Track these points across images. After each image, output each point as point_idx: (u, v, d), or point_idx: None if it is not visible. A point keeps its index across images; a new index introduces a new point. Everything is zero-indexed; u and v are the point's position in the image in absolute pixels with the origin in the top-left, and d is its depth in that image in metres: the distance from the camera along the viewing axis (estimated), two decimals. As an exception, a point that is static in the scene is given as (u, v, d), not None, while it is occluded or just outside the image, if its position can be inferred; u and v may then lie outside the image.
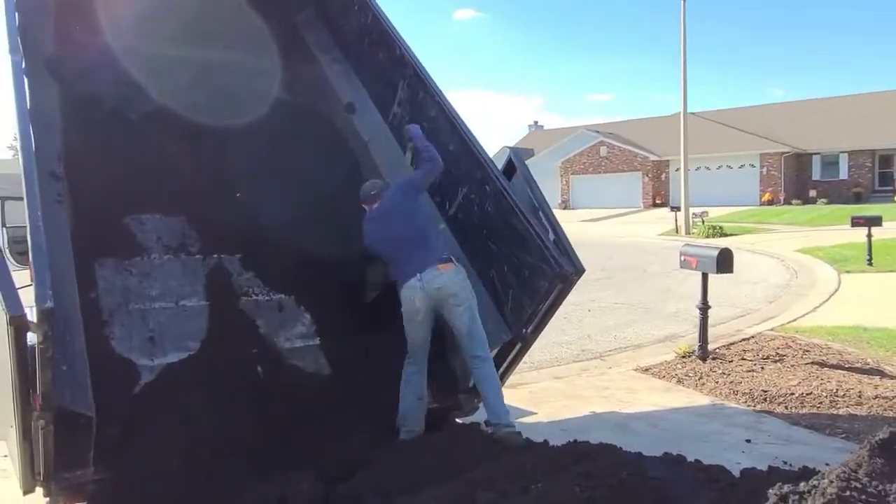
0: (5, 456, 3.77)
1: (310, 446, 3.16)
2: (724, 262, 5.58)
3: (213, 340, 3.74)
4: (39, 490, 2.74)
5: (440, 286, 3.50)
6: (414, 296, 3.53)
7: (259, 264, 4.24)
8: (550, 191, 35.27)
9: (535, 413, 4.52)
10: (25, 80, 3.17)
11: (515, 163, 4.15)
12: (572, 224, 25.54)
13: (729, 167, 32.39)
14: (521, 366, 4.24)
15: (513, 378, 4.41)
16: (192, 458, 3.00)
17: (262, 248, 4.28)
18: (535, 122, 49.64)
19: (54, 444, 2.53)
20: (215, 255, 4.17)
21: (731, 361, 5.85)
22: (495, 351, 3.94)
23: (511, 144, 44.06)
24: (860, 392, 4.77)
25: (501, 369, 3.97)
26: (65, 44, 4.51)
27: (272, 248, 4.32)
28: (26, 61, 3.38)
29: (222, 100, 4.98)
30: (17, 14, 3.57)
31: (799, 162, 31.71)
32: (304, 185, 4.79)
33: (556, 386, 5.45)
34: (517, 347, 3.89)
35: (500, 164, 4.15)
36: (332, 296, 4.19)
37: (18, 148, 2.92)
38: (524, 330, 3.79)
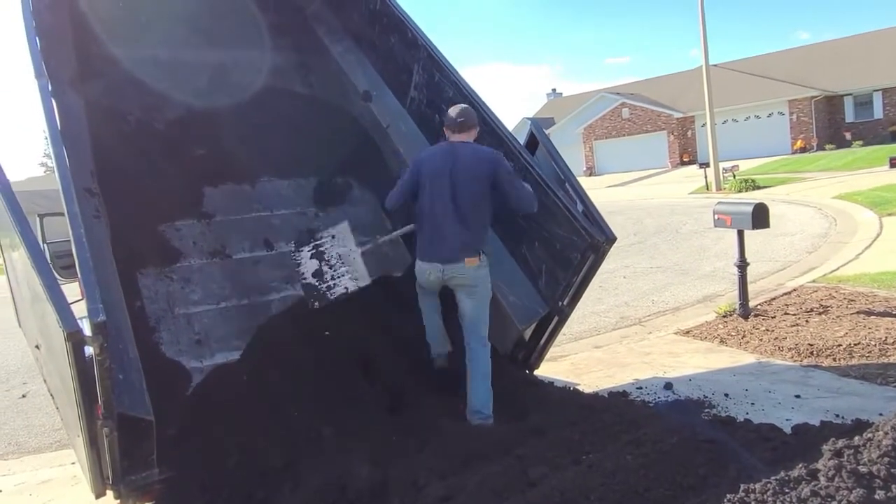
0: (74, 463, 3.97)
1: (363, 431, 3.24)
2: (760, 217, 5.46)
3: (257, 337, 3.84)
4: (110, 493, 2.87)
5: (457, 277, 3.48)
6: (429, 276, 3.55)
7: (291, 257, 4.32)
8: (574, 159, 34.88)
9: (578, 384, 4.52)
10: (54, 103, 3.25)
11: (537, 136, 4.12)
12: (599, 190, 25.25)
13: (757, 117, 31.47)
14: (560, 337, 4.25)
15: (553, 350, 4.43)
16: (249, 452, 3.10)
17: (290, 241, 4.37)
18: (554, 90, 48.88)
19: (119, 449, 2.65)
20: (251, 254, 4.26)
21: (774, 317, 5.75)
22: (532, 325, 3.96)
23: (530, 115, 43.79)
24: (911, 338, 4.66)
25: (541, 343, 4.00)
26: (85, 61, 4.60)
27: (301, 241, 4.40)
28: (52, 83, 3.46)
29: (241, 99, 5.04)
30: (37, 38, 3.64)
31: (830, 105, 30.63)
32: (328, 174, 4.85)
33: (597, 355, 5.44)
34: (554, 321, 3.89)
35: (520, 137, 4.12)
36: (365, 286, 4.25)
37: (54, 168, 3.00)
38: (560, 303, 3.79)
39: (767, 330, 5.39)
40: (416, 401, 3.56)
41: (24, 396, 6.27)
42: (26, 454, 4.75)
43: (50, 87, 3.36)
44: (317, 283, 4.10)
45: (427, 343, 3.84)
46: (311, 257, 4.15)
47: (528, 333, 4.01)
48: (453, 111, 3.68)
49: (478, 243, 3.52)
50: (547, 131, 4.32)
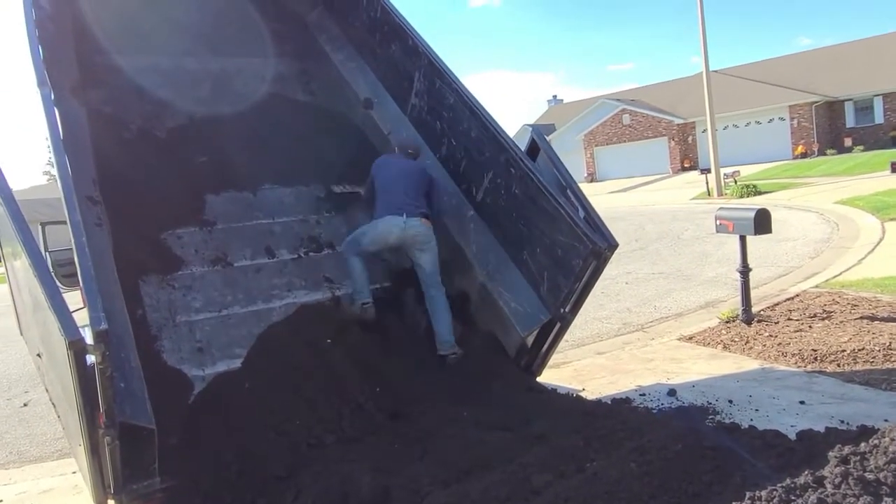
0: (75, 472, 3.95)
1: (365, 438, 3.22)
2: (762, 222, 5.46)
3: (259, 345, 3.84)
4: (111, 502, 2.85)
5: (416, 234, 4.09)
6: (391, 232, 4.10)
7: (293, 266, 4.32)
8: (575, 165, 34.91)
9: (582, 390, 4.51)
10: (56, 112, 3.26)
11: (539, 142, 4.12)
12: (600, 196, 25.25)
13: (758, 122, 31.49)
14: (562, 344, 4.25)
15: (555, 357, 4.42)
16: (251, 460, 3.09)
17: (292, 249, 4.37)
18: (555, 97, 49.07)
19: (121, 458, 2.63)
20: (253, 261, 4.26)
21: (777, 323, 5.73)
22: (535, 332, 3.95)
23: (531, 122, 43.83)
24: (915, 343, 4.63)
25: (543, 349, 3.99)
26: (87, 69, 4.62)
27: (303, 247, 4.41)
28: (54, 92, 3.47)
29: (243, 107, 5.06)
30: (40, 48, 3.66)
31: (831, 110, 30.65)
32: (329, 182, 4.85)
33: (600, 362, 5.42)
34: (557, 327, 3.89)
35: (522, 144, 4.13)
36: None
37: (56, 177, 3.00)
38: (562, 310, 3.79)
39: (771, 336, 5.37)
40: (418, 408, 3.55)
41: (25, 405, 6.26)
42: (28, 463, 4.73)
43: (52, 96, 3.37)
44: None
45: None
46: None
47: (530, 340, 4.00)
48: (407, 141, 4.65)
49: (427, 212, 4.25)
50: (548, 138, 4.31)
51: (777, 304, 6.40)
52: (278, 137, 5.01)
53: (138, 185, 4.16)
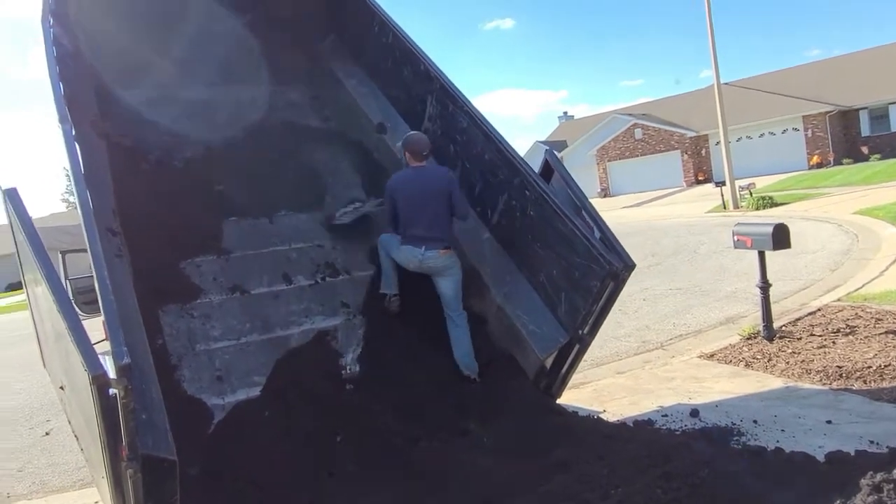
0: (97, 502, 3.96)
1: (387, 467, 3.20)
2: (781, 238, 5.40)
3: (278, 372, 3.84)
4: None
5: (434, 265, 4.17)
6: (409, 262, 4.20)
7: (310, 291, 4.33)
8: (588, 180, 34.88)
9: (602, 412, 4.45)
10: (77, 147, 3.32)
11: (552, 163, 4.13)
12: (615, 211, 25.16)
13: (772, 134, 31.30)
14: (581, 363, 4.20)
15: (575, 377, 4.37)
16: (272, 490, 3.08)
17: (309, 275, 4.39)
18: (565, 113, 49.14)
19: (143, 490, 2.63)
20: (270, 288, 4.28)
21: (800, 339, 5.64)
22: (553, 354, 3.93)
23: (543, 139, 43.89)
24: (943, 358, 4.53)
25: (562, 371, 3.95)
26: (106, 103, 4.72)
27: (319, 273, 4.43)
28: (75, 128, 3.54)
29: (258, 135, 5.13)
30: (61, 84, 3.74)
31: (845, 119, 30.38)
32: (344, 206, 4.88)
33: (620, 381, 5.36)
34: (575, 349, 3.86)
35: (534, 160, 4.14)
36: (384, 317, 4.26)
37: (78, 210, 3.05)
38: (581, 331, 3.76)
39: (794, 352, 5.29)
40: (439, 433, 3.53)
41: (47, 434, 6.31)
42: (51, 493, 4.76)
43: (73, 132, 3.44)
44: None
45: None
46: None
47: (549, 362, 3.97)
48: (420, 144, 4.32)
49: (449, 241, 4.27)
50: (560, 154, 4.34)
51: (799, 319, 6.30)
52: (293, 164, 5.07)
53: (157, 215, 4.21)
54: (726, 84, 26.94)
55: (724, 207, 20.29)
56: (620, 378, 5.46)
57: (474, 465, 3.02)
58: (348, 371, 3.93)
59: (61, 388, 3.52)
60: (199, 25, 5.51)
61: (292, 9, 5.98)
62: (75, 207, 3.30)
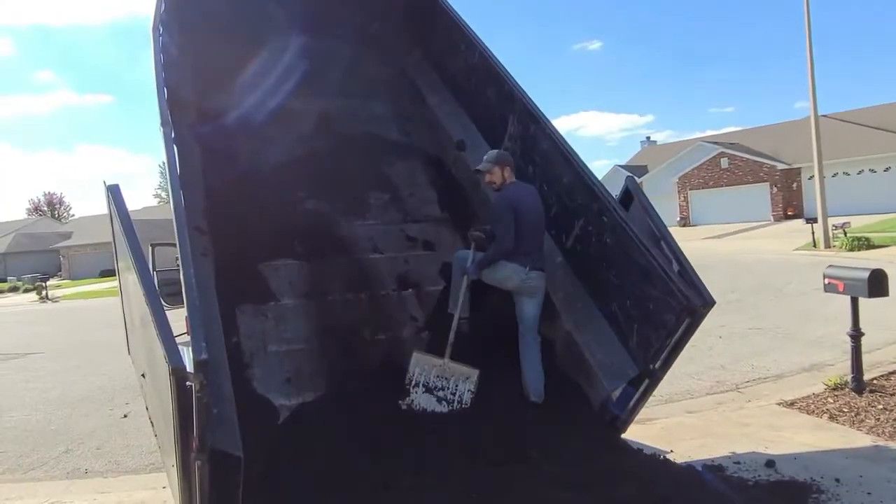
0: (165, 487, 4.14)
1: (441, 485, 3.18)
2: (878, 284, 5.02)
3: (344, 379, 3.91)
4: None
5: (532, 287, 4.15)
6: (511, 279, 4.13)
7: (381, 302, 4.40)
8: (668, 208, 33.82)
9: (669, 451, 4.25)
10: (175, 150, 3.53)
11: (633, 191, 4.02)
12: (694, 242, 24.24)
13: (872, 171, 29.37)
14: (649, 399, 4.05)
15: (642, 413, 4.21)
16: (330, 496, 3.12)
17: (379, 286, 4.46)
18: (648, 138, 48.12)
19: (210, 482, 2.73)
20: (342, 296, 4.38)
21: (893, 395, 5.21)
22: (622, 387, 3.80)
23: (623, 162, 43.00)
24: None
25: (631, 404, 3.81)
26: (202, 107, 5.00)
27: (390, 285, 4.49)
28: (174, 130, 3.76)
29: (341, 145, 5.29)
30: (165, 89, 3.99)
31: (956, 159, 28.13)
32: (419, 221, 4.94)
33: (690, 421, 5.12)
34: (645, 383, 3.72)
35: (611, 183, 4.05)
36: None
37: (171, 208, 3.23)
38: (652, 365, 3.62)
39: (885, 408, 4.89)
40: (496, 454, 3.47)
41: (125, 416, 6.68)
42: (124, 473, 5.02)
43: (173, 136, 3.65)
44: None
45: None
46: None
47: (616, 394, 3.85)
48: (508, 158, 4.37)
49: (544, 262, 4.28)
50: (639, 179, 4.22)
51: (892, 374, 5.83)
52: (373, 176, 5.19)
53: (241, 217, 4.40)
54: (824, 116, 25.52)
55: (815, 246, 19.16)
56: (691, 418, 5.22)
57: (532, 493, 2.95)
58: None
59: (142, 375, 3.72)
60: (291, 38, 5.75)
61: (381, 24, 6.15)
62: (167, 203, 3.49)
